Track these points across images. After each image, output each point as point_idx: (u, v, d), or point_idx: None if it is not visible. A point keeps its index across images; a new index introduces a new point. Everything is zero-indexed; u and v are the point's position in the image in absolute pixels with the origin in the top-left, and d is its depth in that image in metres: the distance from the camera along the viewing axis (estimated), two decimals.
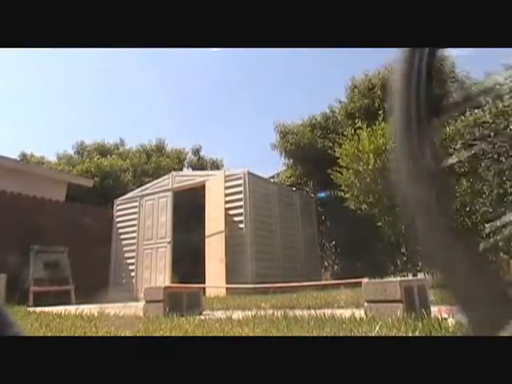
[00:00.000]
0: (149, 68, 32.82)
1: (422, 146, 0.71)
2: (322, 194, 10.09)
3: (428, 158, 0.71)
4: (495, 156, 7.34)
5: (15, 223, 7.39)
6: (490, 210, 7.29)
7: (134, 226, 8.92)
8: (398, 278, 2.71)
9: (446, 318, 1.98)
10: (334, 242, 10.06)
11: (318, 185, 11.52)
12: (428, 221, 0.69)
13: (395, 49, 0.62)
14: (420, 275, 7.11)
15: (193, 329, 2.22)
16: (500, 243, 7.01)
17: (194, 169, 17.90)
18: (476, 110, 7.91)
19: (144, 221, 8.78)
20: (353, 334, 1.74)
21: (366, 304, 2.55)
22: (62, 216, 8.50)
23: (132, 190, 10.16)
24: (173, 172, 9.18)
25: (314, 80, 30.27)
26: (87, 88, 34.64)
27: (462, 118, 8.08)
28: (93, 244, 8.48)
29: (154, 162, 16.93)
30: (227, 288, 6.77)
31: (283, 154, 12.21)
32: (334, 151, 6.96)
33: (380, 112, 6.58)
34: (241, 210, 7.43)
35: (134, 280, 8.48)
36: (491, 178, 7.38)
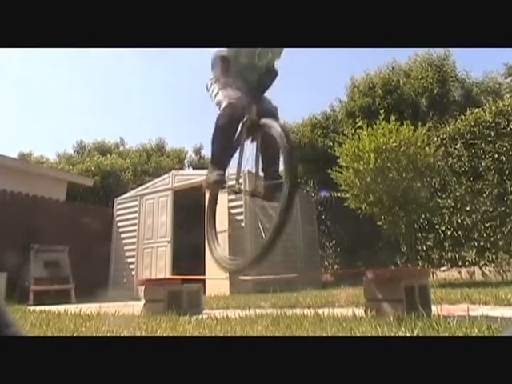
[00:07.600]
0: (150, 67, 32.81)
1: None
2: (326, 193, 10.08)
3: None
4: (495, 155, 7.33)
5: (15, 222, 7.39)
6: (491, 210, 7.28)
7: (134, 225, 8.91)
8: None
9: (447, 317, 1.98)
10: (334, 242, 10.05)
11: (318, 184, 11.52)
12: None
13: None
14: None
15: (193, 328, 2.22)
16: (500, 242, 7.02)
17: (194, 168, 17.89)
18: (476, 110, 7.91)
19: (144, 220, 8.77)
20: (353, 334, 1.74)
21: (366, 303, 2.55)
22: (62, 215, 8.48)
23: (132, 189, 10.15)
24: (173, 171, 9.16)
25: (314, 79, 30.25)
26: (87, 87, 34.64)
27: (462, 117, 8.08)
28: (93, 243, 8.47)
29: (155, 162, 16.95)
30: (230, 288, 6.77)
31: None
32: (334, 150, 6.94)
33: (381, 111, 6.56)
34: (241, 210, 7.42)
35: (134, 279, 8.47)
36: (491, 177, 7.37)
